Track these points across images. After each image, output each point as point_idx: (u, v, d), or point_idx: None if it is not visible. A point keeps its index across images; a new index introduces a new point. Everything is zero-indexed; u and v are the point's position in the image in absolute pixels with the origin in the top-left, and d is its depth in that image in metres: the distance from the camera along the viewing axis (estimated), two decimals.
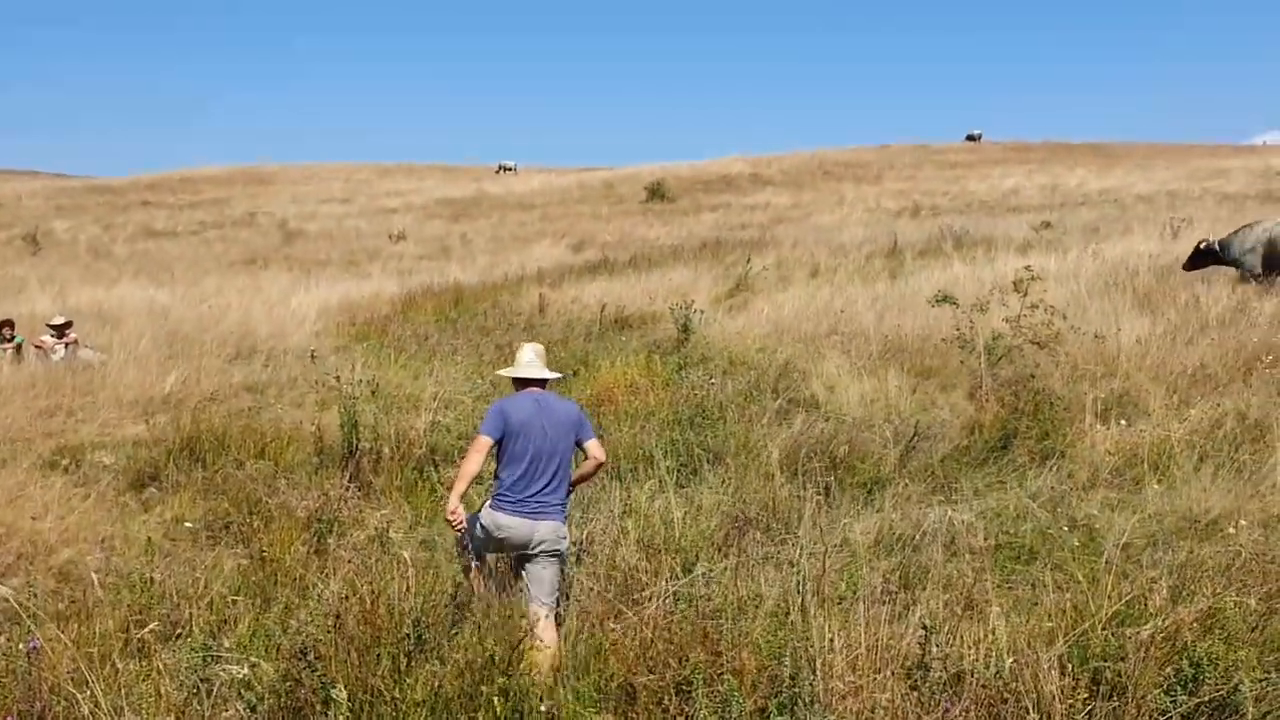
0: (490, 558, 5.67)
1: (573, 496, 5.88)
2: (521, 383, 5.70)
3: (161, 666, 4.72)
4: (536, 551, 5.32)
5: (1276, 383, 9.37)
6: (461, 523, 5.38)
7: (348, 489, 7.99)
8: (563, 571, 5.52)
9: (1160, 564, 5.81)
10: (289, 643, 4.87)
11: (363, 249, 34.44)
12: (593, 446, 5.59)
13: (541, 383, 5.70)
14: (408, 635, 4.65)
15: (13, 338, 14.12)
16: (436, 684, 4.46)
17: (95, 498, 8.03)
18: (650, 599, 5.23)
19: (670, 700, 4.55)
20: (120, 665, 4.75)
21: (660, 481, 7.41)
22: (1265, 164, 43.03)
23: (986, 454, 8.45)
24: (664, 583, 5.41)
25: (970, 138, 71.03)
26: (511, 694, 4.44)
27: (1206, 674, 4.36)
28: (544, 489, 5.37)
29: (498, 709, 4.36)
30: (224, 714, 4.61)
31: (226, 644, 5.27)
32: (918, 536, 6.51)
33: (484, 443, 5.37)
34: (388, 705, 4.41)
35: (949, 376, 10.52)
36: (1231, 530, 6.20)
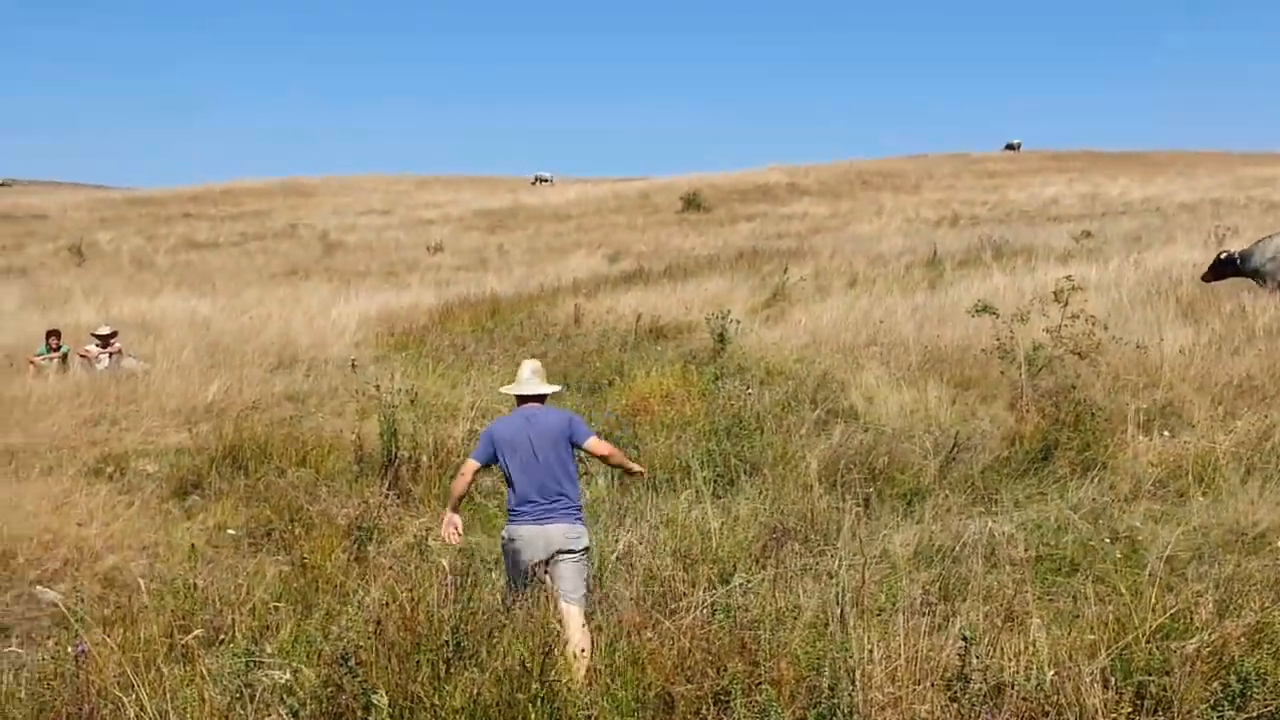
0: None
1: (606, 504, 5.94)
2: (522, 399, 5.89)
3: (205, 672, 4.78)
4: (554, 554, 5.47)
5: None
6: (454, 538, 5.70)
7: (387, 497, 8.08)
8: (588, 570, 5.64)
9: (1206, 577, 5.73)
10: (330, 649, 4.92)
11: (401, 260, 34.68)
12: (592, 444, 5.73)
13: (540, 398, 5.87)
14: (446, 642, 4.68)
15: (59, 347, 14.38)
16: (475, 691, 4.49)
17: (139, 505, 8.16)
18: (688, 609, 5.24)
19: (708, 710, 4.55)
20: (165, 670, 4.84)
21: (697, 492, 7.40)
22: None
23: (1027, 465, 8.37)
24: (701, 593, 5.43)
25: (1010, 146, 70.52)
26: (548, 701, 4.46)
27: (1255, 690, 4.28)
28: (543, 497, 5.52)
29: (533, 717, 4.38)
30: (266, 719, 4.65)
31: (269, 650, 5.33)
32: (958, 548, 6.47)
33: (469, 466, 5.76)
34: (427, 711, 4.44)
35: (989, 387, 10.43)
36: None
